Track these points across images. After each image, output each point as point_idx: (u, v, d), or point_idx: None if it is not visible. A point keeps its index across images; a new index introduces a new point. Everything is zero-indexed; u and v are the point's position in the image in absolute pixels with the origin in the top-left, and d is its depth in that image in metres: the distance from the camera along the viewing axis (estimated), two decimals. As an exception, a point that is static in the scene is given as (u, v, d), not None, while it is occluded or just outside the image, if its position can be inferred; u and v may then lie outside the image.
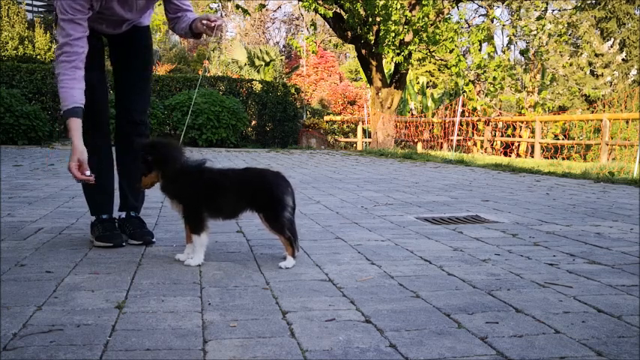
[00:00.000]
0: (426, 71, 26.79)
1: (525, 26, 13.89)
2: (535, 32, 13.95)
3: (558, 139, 15.53)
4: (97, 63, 2.63)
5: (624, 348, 1.50)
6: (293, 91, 17.41)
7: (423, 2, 11.87)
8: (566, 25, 15.14)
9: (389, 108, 13.92)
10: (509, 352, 1.46)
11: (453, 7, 13.70)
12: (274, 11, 35.47)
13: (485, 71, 13.18)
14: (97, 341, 1.49)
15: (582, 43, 19.68)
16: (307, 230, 3.18)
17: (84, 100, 2.41)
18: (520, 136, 16.45)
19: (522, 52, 16.58)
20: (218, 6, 17.80)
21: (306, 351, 1.45)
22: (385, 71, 14.33)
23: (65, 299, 1.84)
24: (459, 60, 12.58)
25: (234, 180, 2.37)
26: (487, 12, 16.66)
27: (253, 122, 16.69)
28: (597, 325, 1.67)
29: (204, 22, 2.52)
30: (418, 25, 11.93)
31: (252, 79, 17.69)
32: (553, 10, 17.03)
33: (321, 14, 12.62)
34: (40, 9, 24.33)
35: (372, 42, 13.07)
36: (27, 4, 22.34)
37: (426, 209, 4.11)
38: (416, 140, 17.74)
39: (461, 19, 14.29)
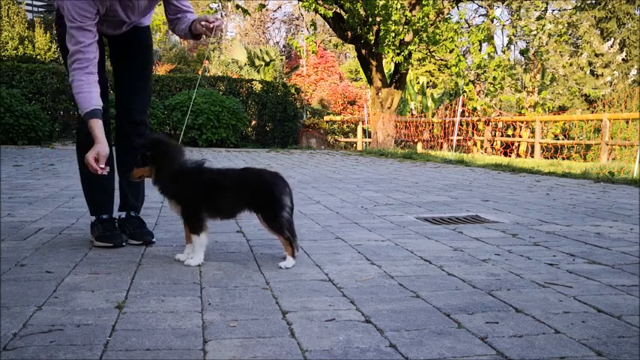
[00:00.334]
0: (426, 71, 26.79)
1: (525, 26, 13.89)
2: (535, 32, 13.94)
3: (558, 139, 15.53)
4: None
5: (624, 348, 1.50)
6: (293, 91, 17.42)
7: (423, 2, 11.87)
8: (566, 25, 15.13)
9: (389, 108, 13.92)
10: (509, 352, 1.46)
11: (453, 7, 13.70)
12: (274, 11, 35.48)
13: (485, 71, 13.18)
14: (97, 341, 1.49)
15: (582, 43, 19.68)
16: (307, 230, 3.18)
17: (101, 103, 2.44)
18: (520, 136, 16.45)
19: (522, 52, 16.58)
20: (218, 6, 17.79)
21: (306, 351, 1.45)
22: (385, 71, 14.33)
23: (65, 299, 1.84)
24: (459, 60, 12.58)
25: (233, 180, 2.37)
26: (487, 12, 16.66)
27: (253, 122, 16.69)
28: (597, 325, 1.67)
29: (203, 23, 2.53)
30: (418, 25, 11.93)
31: (252, 79, 17.70)
32: (553, 10, 17.03)
33: (321, 14, 12.62)
34: (40, 9, 24.33)
35: (372, 42, 13.07)
36: (27, 4, 22.34)
37: (426, 209, 4.11)
38: (416, 140, 17.74)
39: (461, 19, 14.28)
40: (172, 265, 2.33)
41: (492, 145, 16.95)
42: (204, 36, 2.62)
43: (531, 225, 3.47)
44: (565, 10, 16.81)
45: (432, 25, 12.49)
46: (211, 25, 2.52)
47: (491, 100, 16.50)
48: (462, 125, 16.75)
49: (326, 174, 7.24)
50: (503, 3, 14.99)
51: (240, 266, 2.33)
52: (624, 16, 21.98)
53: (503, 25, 14.66)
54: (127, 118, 2.76)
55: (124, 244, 2.67)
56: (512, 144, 16.54)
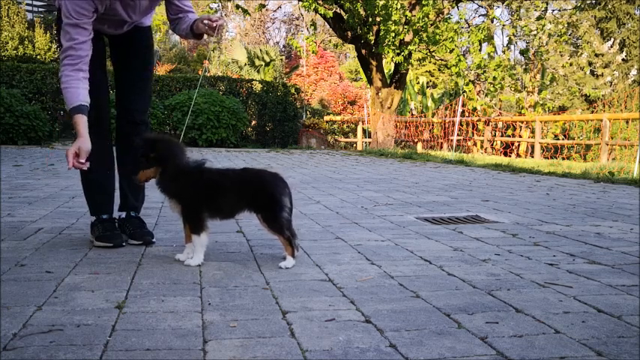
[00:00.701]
0: (426, 71, 26.79)
1: (525, 26, 13.88)
2: (535, 32, 13.94)
3: (558, 139, 15.53)
4: (98, 63, 2.63)
5: (624, 348, 1.50)
6: (293, 91, 17.42)
7: (423, 2, 11.87)
8: (566, 25, 15.13)
9: (389, 108, 13.92)
10: (509, 352, 1.46)
11: (453, 7, 13.70)
12: (274, 11, 35.48)
13: (485, 71, 13.18)
14: (97, 341, 1.49)
15: (582, 43, 19.68)
16: (307, 230, 3.18)
17: (89, 100, 2.43)
18: (520, 136, 16.45)
19: (522, 52, 16.57)
20: (218, 6, 17.79)
21: (306, 351, 1.45)
22: (385, 71, 14.33)
23: (65, 299, 1.84)
24: (459, 60, 12.58)
25: (233, 180, 2.37)
26: (487, 12, 16.66)
27: (253, 122, 16.69)
28: (597, 325, 1.67)
29: (206, 22, 2.53)
30: (418, 25, 11.93)
31: (252, 79, 17.70)
32: (553, 10, 17.03)
33: (321, 14, 12.62)
34: (40, 9, 24.32)
35: (372, 42, 13.07)
36: (27, 4, 22.33)
37: (426, 209, 4.11)
38: (416, 140, 17.74)
39: (461, 19, 14.28)
40: (172, 265, 2.33)
41: (492, 145, 16.95)
42: (205, 35, 2.62)
43: (531, 225, 3.47)
44: (565, 10, 16.81)
45: (432, 25, 12.49)
46: (214, 25, 2.52)
47: (491, 100, 16.50)
48: (462, 125, 16.75)
49: (326, 174, 7.24)
50: (503, 3, 14.99)
51: (240, 266, 2.33)
52: (624, 16, 21.97)
53: (503, 25, 14.67)
54: (127, 118, 2.76)
55: (124, 244, 2.67)
56: (512, 144, 16.54)
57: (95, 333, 1.55)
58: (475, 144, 17.38)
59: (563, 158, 13.57)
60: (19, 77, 14.01)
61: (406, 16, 12.05)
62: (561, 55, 16.93)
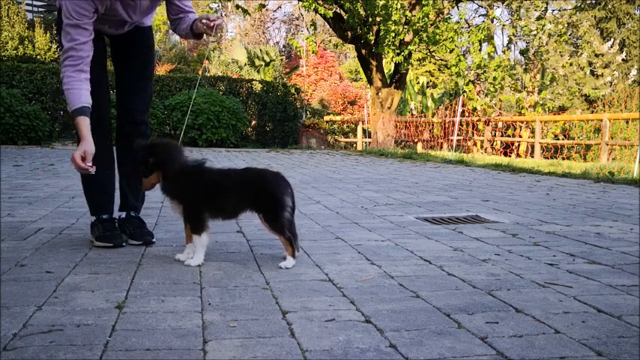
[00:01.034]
0: (426, 71, 26.78)
1: (525, 26, 13.88)
2: (535, 32, 13.94)
3: (558, 139, 15.53)
4: (98, 63, 2.63)
5: (624, 348, 1.50)
6: (293, 91, 17.42)
7: (423, 2, 11.87)
8: (566, 25, 15.13)
9: (389, 108, 13.92)
10: (509, 352, 1.46)
11: (453, 7, 13.70)
12: (274, 11, 35.48)
13: (485, 71, 13.18)
14: (97, 341, 1.49)
15: (582, 43, 19.68)
16: (307, 230, 3.18)
17: (91, 101, 2.43)
18: (520, 136, 16.45)
19: (522, 52, 16.58)
20: (218, 6, 17.80)
21: (306, 351, 1.45)
22: (385, 71, 14.34)
23: (65, 299, 1.84)
24: (459, 60, 12.58)
25: (235, 180, 2.37)
26: (487, 12, 16.66)
27: (253, 122, 16.69)
28: (597, 325, 1.67)
29: (204, 21, 2.53)
30: (418, 25, 11.93)
31: (252, 79, 17.70)
32: (553, 10, 17.03)
33: (321, 14, 12.62)
34: (40, 9, 24.32)
35: (372, 42, 13.07)
36: (27, 4, 22.32)
37: (426, 209, 4.11)
38: (416, 140, 17.75)
39: (461, 19, 14.28)
40: (172, 265, 2.33)
41: (492, 145, 16.96)
42: (205, 35, 2.62)
43: (531, 225, 3.47)
44: (565, 10, 16.82)
45: (432, 25, 12.49)
46: (212, 24, 2.52)
47: (491, 100, 16.51)
48: (462, 125, 16.75)
49: (326, 174, 7.24)
50: (503, 3, 14.99)
51: (240, 266, 2.33)
52: (624, 16, 21.98)
53: (503, 25, 14.67)
54: (127, 118, 2.76)
55: (124, 244, 2.67)
56: (512, 144, 16.54)
57: (95, 333, 1.55)
58: (475, 144, 17.39)
59: (563, 158, 13.57)
60: (19, 77, 14.01)
61: (406, 16, 12.05)
62: (561, 55, 16.93)
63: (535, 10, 14.24)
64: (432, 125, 17.72)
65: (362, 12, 12.50)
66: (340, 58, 33.81)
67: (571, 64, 17.77)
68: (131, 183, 2.83)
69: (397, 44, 12.32)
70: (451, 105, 17.38)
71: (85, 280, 2.08)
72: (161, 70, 21.70)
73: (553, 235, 3.15)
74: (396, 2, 11.53)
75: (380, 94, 13.84)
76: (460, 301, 1.88)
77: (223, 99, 14.38)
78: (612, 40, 20.62)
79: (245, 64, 23.22)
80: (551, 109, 17.68)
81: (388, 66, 15.56)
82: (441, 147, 16.80)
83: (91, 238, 2.74)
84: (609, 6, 21.70)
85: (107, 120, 2.73)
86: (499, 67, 12.93)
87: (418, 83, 21.11)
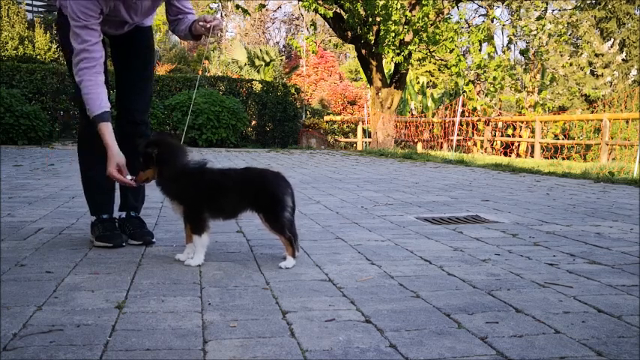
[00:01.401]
0: (426, 71, 26.78)
1: (525, 26, 13.88)
2: (535, 32, 13.94)
3: (558, 139, 15.53)
4: None
5: (624, 348, 1.50)
6: (293, 91, 17.41)
7: (423, 2, 11.87)
8: (566, 25, 15.13)
9: (389, 108, 13.92)
10: (509, 352, 1.46)
11: (453, 7, 13.70)
12: (274, 11, 35.48)
13: (485, 71, 13.18)
14: (97, 341, 1.49)
15: (582, 43, 19.68)
16: (307, 230, 3.18)
17: (109, 105, 2.44)
18: (520, 136, 16.46)
19: (522, 52, 16.58)
20: (218, 6, 17.81)
21: (306, 351, 1.45)
22: (385, 71, 14.34)
23: (65, 299, 1.84)
24: (459, 60, 12.58)
25: (235, 180, 2.37)
26: (487, 12, 16.66)
27: (253, 122, 16.69)
28: (597, 325, 1.67)
29: (201, 23, 2.54)
30: (418, 25, 11.93)
31: (252, 79, 17.69)
32: (553, 10, 17.03)
33: (321, 14, 12.62)
34: (40, 9, 24.32)
35: (372, 42, 13.07)
36: (27, 4, 22.32)
37: (426, 209, 4.11)
38: (416, 140, 17.74)
39: (461, 19, 14.28)
40: (172, 265, 2.33)
41: (492, 145, 16.96)
42: (203, 36, 2.63)
43: (531, 225, 3.47)
44: (565, 10, 16.82)
45: (432, 25, 12.49)
46: (208, 25, 2.53)
47: (491, 100, 16.51)
48: (462, 125, 16.75)
49: (326, 174, 7.24)
50: (503, 3, 14.99)
51: (240, 266, 2.33)
52: (624, 16, 21.98)
53: (503, 25, 14.67)
54: (127, 118, 2.77)
55: (124, 244, 2.67)
56: (512, 144, 16.55)
57: (95, 333, 1.55)
58: (475, 144, 17.39)
59: (563, 158, 13.57)
60: (19, 77, 14.00)
61: (406, 16, 12.05)
62: (561, 55, 16.93)
63: (535, 10, 14.24)
64: (432, 125, 17.72)
65: (362, 12, 12.50)
66: (340, 58, 33.81)
67: (571, 64, 17.77)
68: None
69: (397, 44, 12.32)
70: (451, 105, 17.38)
71: (85, 280, 2.08)
72: (161, 70, 21.70)
73: (553, 235, 3.15)
74: (396, 2, 11.53)
75: (380, 94, 13.84)
76: (460, 301, 1.88)
77: (223, 99, 14.38)
78: (612, 40, 20.63)
79: (245, 64, 23.22)
80: (551, 109, 17.68)
81: (388, 66, 15.56)
82: (441, 147, 16.80)
83: (91, 238, 2.75)
84: (609, 6, 21.70)
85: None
86: (499, 67, 12.93)
87: (418, 83, 21.11)
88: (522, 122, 16.12)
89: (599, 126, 12.92)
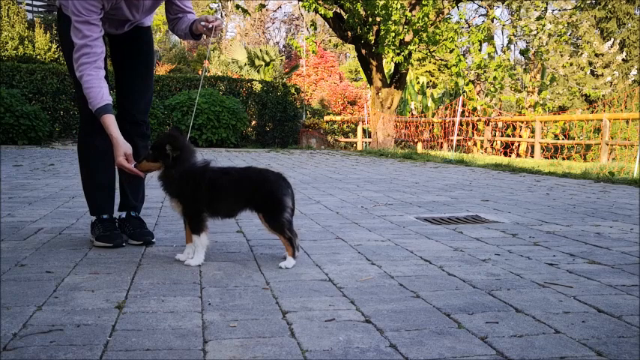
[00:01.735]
0: (426, 71, 26.79)
1: (525, 26, 13.89)
2: (535, 32, 13.95)
3: (558, 139, 15.54)
4: None
5: (624, 348, 1.50)
6: (293, 91, 17.41)
7: (423, 2, 11.87)
8: (566, 25, 15.13)
9: (389, 108, 13.92)
10: (509, 352, 1.46)
11: (453, 7, 13.71)
12: (274, 11, 35.48)
13: (485, 71, 13.18)
14: (97, 341, 1.49)
15: (582, 43, 19.69)
16: (307, 230, 3.18)
17: (111, 98, 2.45)
18: (520, 136, 16.46)
19: (522, 52, 16.58)
20: (218, 6, 17.81)
21: (306, 351, 1.45)
22: (385, 71, 14.34)
23: (65, 299, 1.84)
24: (459, 60, 12.58)
25: (235, 179, 2.36)
26: (487, 12, 16.66)
27: (253, 122, 16.68)
28: (597, 325, 1.67)
29: (203, 23, 2.54)
30: (418, 25, 11.93)
31: (252, 79, 17.69)
32: (553, 10, 17.03)
33: (321, 14, 12.62)
34: (40, 9, 24.32)
35: (372, 42, 13.07)
36: (27, 4, 22.33)
37: (426, 209, 4.11)
38: (416, 140, 17.74)
39: (461, 19, 14.29)
40: (172, 265, 2.33)
41: (492, 145, 16.96)
42: (204, 36, 2.62)
43: (531, 225, 3.47)
44: (565, 10, 16.82)
45: (432, 25, 12.49)
46: (210, 25, 2.53)
47: (491, 100, 16.51)
48: (462, 125, 16.75)
49: (326, 174, 7.24)
50: (503, 3, 14.99)
51: (240, 266, 2.33)
52: (624, 16, 21.98)
53: (503, 25, 14.67)
54: (127, 118, 2.76)
55: (124, 244, 2.67)
56: (512, 144, 16.55)
57: (95, 333, 1.55)
58: (475, 144, 17.39)
59: (563, 158, 13.57)
60: (19, 77, 14.00)
61: (406, 16, 12.05)
62: (561, 55, 16.94)
63: (535, 10, 14.24)
64: (432, 125, 17.72)
65: (362, 12, 12.50)
66: (340, 58, 33.81)
67: (571, 64, 17.78)
68: (131, 182, 2.83)
69: (397, 44, 12.32)
70: (451, 105, 17.38)
71: (85, 280, 2.08)
72: (161, 70, 21.70)
73: (553, 235, 3.15)
74: (396, 2, 11.53)
75: (380, 94, 13.84)
76: (460, 301, 1.88)
77: (223, 99, 14.38)
78: (612, 40, 20.63)
79: (245, 64, 23.21)
80: (551, 109, 17.68)
81: (388, 66, 15.56)
82: (441, 147, 16.79)
83: (91, 238, 2.75)
84: (609, 6, 21.70)
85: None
86: (499, 67, 12.94)
87: (418, 83, 21.11)
88: (522, 122, 16.12)
89: (599, 126, 12.92)
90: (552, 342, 1.53)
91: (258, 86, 16.96)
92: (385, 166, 9.10)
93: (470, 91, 14.13)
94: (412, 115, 19.53)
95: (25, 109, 12.25)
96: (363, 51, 13.68)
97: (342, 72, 28.75)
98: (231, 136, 14.24)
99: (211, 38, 2.62)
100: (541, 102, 16.00)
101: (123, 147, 2.41)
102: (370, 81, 14.12)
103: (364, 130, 17.04)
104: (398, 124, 17.00)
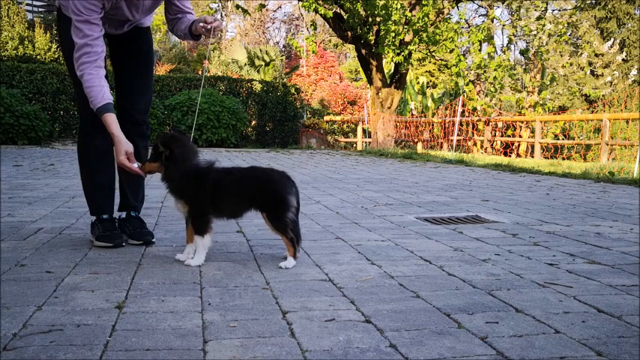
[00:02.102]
0: (426, 71, 26.78)
1: (525, 26, 13.89)
2: (535, 32, 13.95)
3: (558, 139, 15.54)
4: None
5: (624, 348, 1.50)
6: (293, 91, 17.41)
7: (423, 2, 11.87)
8: (566, 25, 15.14)
9: (389, 108, 13.92)
10: (509, 352, 1.46)
11: (453, 7, 13.71)
12: (274, 11, 35.48)
13: (485, 71, 13.18)
14: (97, 341, 1.49)
15: (582, 43, 19.69)
16: (307, 230, 3.18)
17: (112, 97, 2.46)
18: (520, 136, 16.46)
19: (522, 52, 16.59)
20: (218, 6, 17.81)
21: (306, 351, 1.45)
22: (385, 71, 14.34)
23: (65, 299, 1.84)
24: (459, 60, 12.58)
25: (240, 178, 2.36)
26: (487, 12, 16.66)
27: (253, 122, 16.68)
28: (597, 325, 1.67)
29: (202, 24, 2.55)
30: (418, 25, 11.93)
31: (252, 79, 17.68)
32: (553, 10, 17.03)
33: (321, 14, 12.62)
34: (40, 9, 24.32)
35: (372, 42, 13.07)
36: (27, 4, 22.32)
37: (426, 209, 4.11)
38: (416, 140, 17.74)
39: (461, 19, 14.29)
40: (172, 265, 2.33)
41: (492, 145, 16.96)
42: (203, 36, 2.63)
43: (531, 225, 3.47)
44: (565, 10, 16.82)
45: (432, 25, 12.49)
46: (209, 26, 2.54)
47: (491, 100, 16.51)
48: (462, 125, 16.75)
49: (326, 174, 7.24)
50: (503, 3, 14.99)
51: (240, 266, 2.33)
52: (624, 16, 21.98)
53: (503, 25, 14.67)
54: (127, 118, 2.76)
55: (124, 244, 2.67)
56: (512, 144, 16.55)
57: (95, 333, 1.55)
58: (475, 144, 17.39)
59: (563, 158, 13.57)
60: (19, 77, 13.99)
61: (406, 16, 12.05)
62: (561, 55, 16.94)
63: (535, 10, 14.24)
64: (432, 125, 17.72)
65: (362, 12, 12.50)
66: (340, 58, 33.81)
67: (571, 64, 17.79)
68: (131, 183, 2.83)
69: (397, 44, 12.32)
70: (451, 105, 17.38)
71: (85, 280, 2.08)
72: (161, 70, 21.69)
73: (553, 235, 3.15)
74: (396, 2, 11.53)
75: (380, 94, 13.84)
76: (460, 301, 1.88)
77: (223, 99, 14.38)
78: (612, 40, 20.64)
79: (245, 64, 23.21)
80: (551, 109, 17.69)
81: (388, 66, 15.56)
82: (441, 147, 16.79)
83: (91, 238, 2.75)
84: (609, 6, 21.71)
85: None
86: (499, 67, 12.94)
87: (418, 83, 21.11)
88: (522, 122, 16.12)
89: (599, 126, 12.92)
90: (552, 342, 1.53)
91: (258, 86, 16.95)
92: (385, 166, 9.10)
93: (470, 91, 14.14)
94: (412, 115, 19.53)
95: (25, 109, 12.25)
96: (363, 51, 13.68)
97: (342, 72, 28.76)
98: (231, 136, 14.24)
99: (211, 39, 2.62)
100: (541, 102, 16.00)
101: (124, 146, 2.41)
102: (370, 81, 14.12)
103: (364, 130, 17.04)
104: (398, 124, 17.00)
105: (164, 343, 1.49)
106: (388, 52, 12.31)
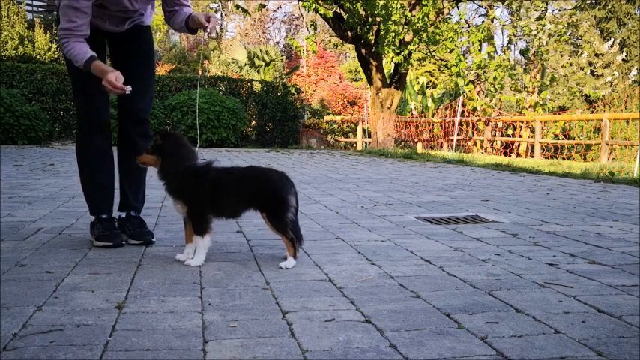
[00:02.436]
0: (426, 71, 26.78)
1: (525, 26, 13.89)
2: (535, 32, 13.95)
3: (558, 139, 15.53)
4: None
5: (624, 348, 1.50)
6: (293, 91, 17.40)
7: (423, 2, 11.87)
8: (566, 25, 15.13)
9: (389, 108, 13.92)
10: (509, 352, 1.46)
11: (453, 7, 13.70)
12: (274, 11, 35.48)
13: (485, 71, 13.18)
14: (97, 341, 1.49)
15: (582, 43, 19.69)
16: (307, 230, 3.18)
17: (95, 53, 2.48)
18: (520, 136, 16.46)
19: (522, 52, 16.58)
20: (218, 6, 17.81)
21: (306, 351, 1.45)
22: (385, 71, 14.33)
23: (65, 299, 1.84)
24: (459, 60, 12.58)
25: (239, 178, 2.36)
26: (487, 12, 16.66)
27: (253, 122, 16.67)
28: (597, 325, 1.67)
29: (197, 18, 2.57)
30: (418, 25, 11.93)
31: (252, 79, 17.68)
32: (553, 10, 17.03)
33: (321, 14, 12.62)
34: (40, 9, 24.32)
35: (372, 42, 13.07)
36: (27, 4, 22.31)
37: (426, 209, 4.11)
38: (416, 140, 17.74)
39: (461, 19, 14.29)
40: (172, 265, 2.33)
41: (492, 145, 16.96)
42: (200, 32, 2.64)
43: (531, 225, 3.47)
44: (565, 10, 16.82)
45: (432, 25, 12.49)
46: (206, 23, 2.56)
47: (491, 100, 16.51)
48: (462, 125, 16.74)
49: (326, 174, 7.24)
50: (503, 3, 14.99)
51: (240, 266, 2.33)
52: (624, 16, 21.98)
53: (503, 25, 14.67)
54: (129, 117, 2.77)
55: (123, 243, 2.67)
56: (512, 144, 16.55)
57: (95, 333, 1.55)
58: (475, 144, 17.39)
59: (563, 158, 13.57)
60: (19, 77, 13.99)
61: (406, 16, 12.05)
62: (561, 55, 16.94)
63: (535, 10, 14.24)
64: (432, 125, 17.72)
65: (362, 12, 12.50)
66: (340, 58, 33.81)
67: (571, 64, 17.79)
68: (131, 183, 2.83)
69: (397, 44, 12.32)
70: (451, 105, 17.38)
71: (85, 280, 2.08)
72: (161, 70, 21.69)
73: (553, 235, 3.15)
74: (396, 2, 11.53)
75: (380, 94, 13.84)
76: (460, 301, 1.88)
77: (223, 99, 14.38)
78: (612, 40, 20.64)
79: (245, 64, 23.21)
80: (551, 109, 17.69)
81: (388, 66, 15.55)
82: (441, 147, 16.79)
83: (90, 238, 2.75)
84: (609, 6, 21.71)
85: (108, 120, 2.74)
86: (499, 67, 12.93)
87: (418, 83, 21.11)
88: (522, 122, 16.12)
89: (599, 126, 12.92)
90: (552, 342, 1.53)
91: (258, 86, 16.95)
92: (385, 166, 9.10)
93: (470, 91, 14.13)
94: (412, 115, 19.53)
95: (25, 109, 12.25)
96: (363, 51, 13.68)
97: (342, 72, 28.75)
98: (231, 136, 14.24)
99: (210, 34, 2.62)
100: (541, 102, 16.00)
101: (115, 71, 2.43)
102: (370, 81, 14.12)
103: (364, 130, 17.04)
104: (398, 124, 16.99)
105: (164, 343, 1.49)
106: (388, 52, 12.31)
